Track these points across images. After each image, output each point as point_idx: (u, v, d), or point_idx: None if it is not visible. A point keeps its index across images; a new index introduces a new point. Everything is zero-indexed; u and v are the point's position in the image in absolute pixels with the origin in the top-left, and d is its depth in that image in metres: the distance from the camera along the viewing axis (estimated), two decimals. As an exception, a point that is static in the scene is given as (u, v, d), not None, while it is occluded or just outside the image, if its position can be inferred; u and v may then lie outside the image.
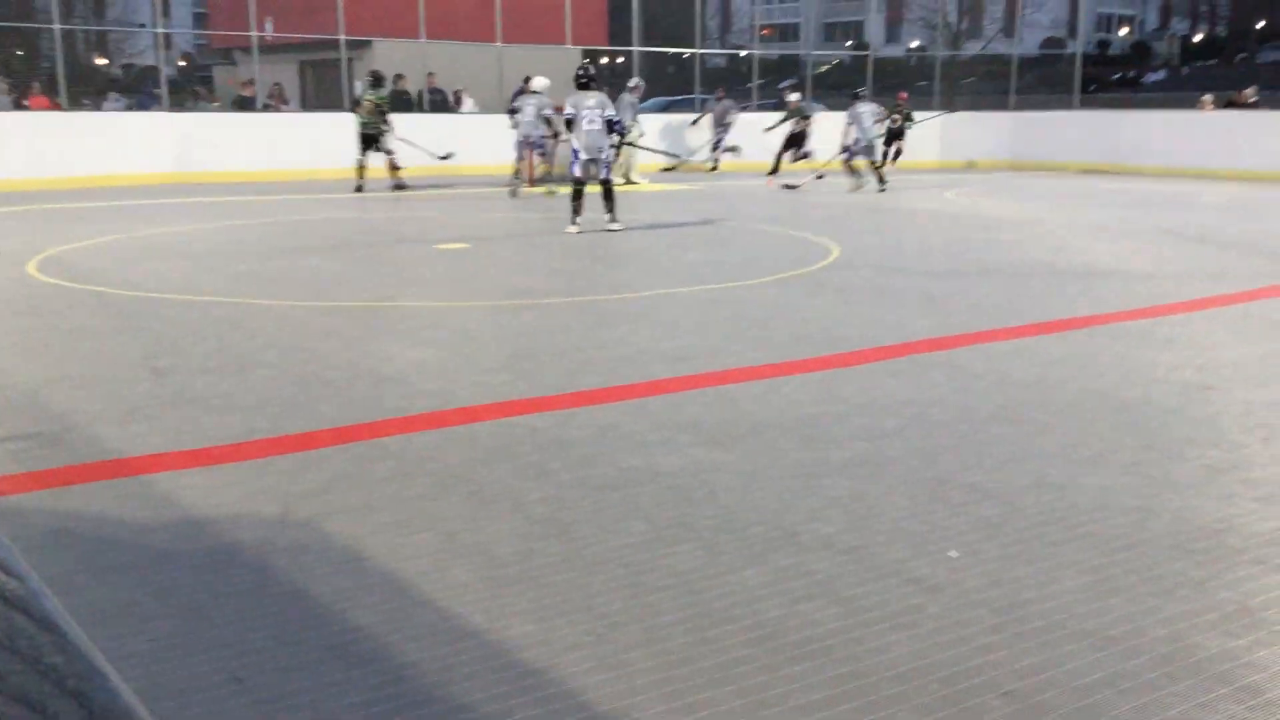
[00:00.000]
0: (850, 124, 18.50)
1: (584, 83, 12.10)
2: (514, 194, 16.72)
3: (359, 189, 17.16)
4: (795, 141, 20.34)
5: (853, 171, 18.64)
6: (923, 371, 5.91)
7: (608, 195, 12.30)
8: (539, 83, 16.39)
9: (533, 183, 17.97)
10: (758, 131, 22.29)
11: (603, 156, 12.13)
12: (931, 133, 25.50)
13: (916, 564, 3.39)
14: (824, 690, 2.65)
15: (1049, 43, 52.12)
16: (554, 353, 6.33)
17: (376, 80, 17.22)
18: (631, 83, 20.48)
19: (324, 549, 3.49)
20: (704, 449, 4.52)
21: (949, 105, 26.14)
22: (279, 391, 5.44)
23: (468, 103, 23.31)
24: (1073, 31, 50.29)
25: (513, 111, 17.40)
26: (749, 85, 24.61)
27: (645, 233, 12.35)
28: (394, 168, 17.29)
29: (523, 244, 11.60)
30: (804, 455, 4.45)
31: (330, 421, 4.91)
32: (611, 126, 12.10)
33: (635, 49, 25.46)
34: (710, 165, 22.88)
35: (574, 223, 12.15)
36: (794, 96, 21.19)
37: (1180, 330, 7.09)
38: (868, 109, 18.63)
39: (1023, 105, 26.94)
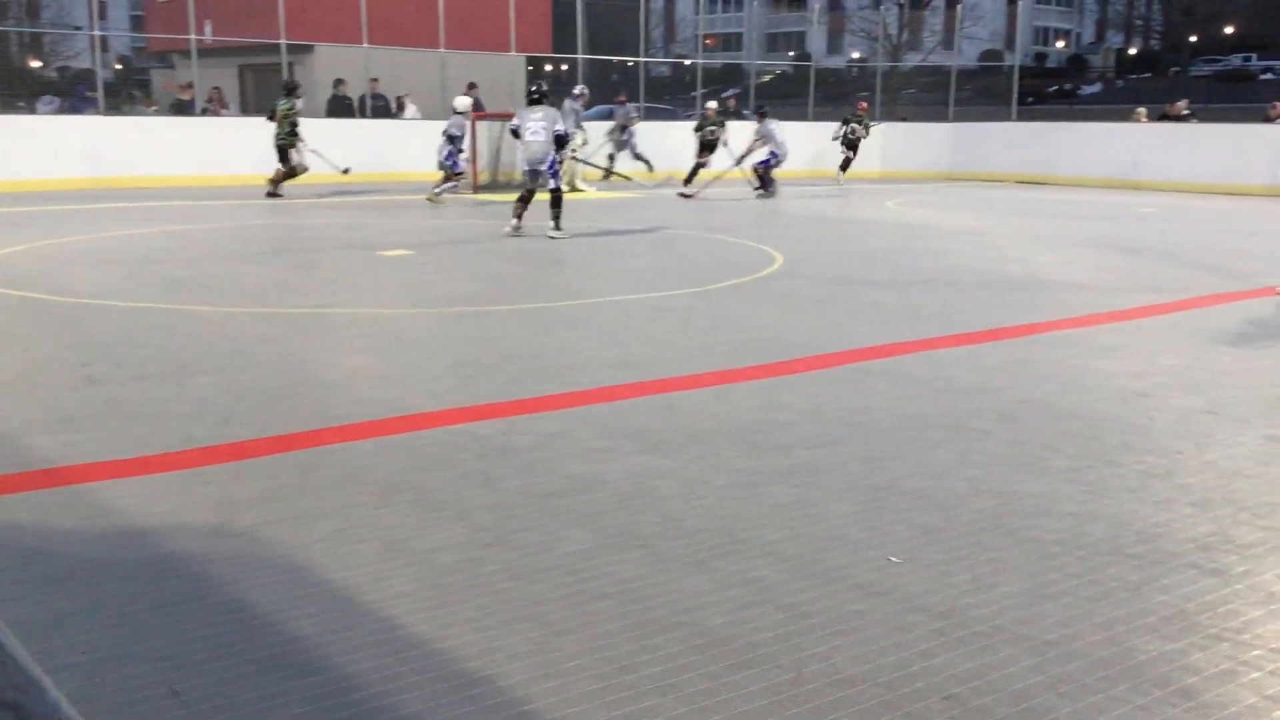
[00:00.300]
0: (760, 140, 18.83)
1: (535, 99, 12.35)
2: (434, 199, 16.75)
3: (271, 195, 16.89)
4: (708, 149, 20.16)
5: (766, 184, 19.02)
6: (865, 379, 5.96)
7: (555, 203, 12.39)
8: (460, 103, 16.44)
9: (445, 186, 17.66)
10: (664, 139, 22.32)
11: (544, 167, 12.24)
12: (873, 143, 25.77)
13: (859, 570, 3.41)
14: (767, 697, 2.66)
15: (987, 55, 52.90)
16: (498, 360, 6.30)
17: (288, 90, 16.94)
18: (576, 90, 20.46)
19: (264, 558, 3.45)
20: (648, 456, 4.52)
21: (894, 115, 26.32)
22: (217, 399, 5.36)
23: (410, 109, 23.19)
24: (1010, 44, 51.18)
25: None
26: (693, 94, 24.61)
27: (590, 240, 12.36)
28: (284, 176, 16.89)
29: (467, 251, 11.55)
30: (748, 463, 4.46)
31: (270, 429, 4.85)
32: (559, 140, 12.24)
33: (580, 56, 25.48)
34: (604, 173, 21.67)
35: (511, 223, 12.57)
36: (711, 105, 21.00)
37: (1116, 339, 7.19)
38: (777, 125, 19.13)
39: (961, 117, 27.36)
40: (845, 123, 22.56)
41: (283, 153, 16.71)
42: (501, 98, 24.31)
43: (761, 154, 19.04)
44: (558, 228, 12.35)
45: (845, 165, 22.75)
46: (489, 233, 13.17)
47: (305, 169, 16.91)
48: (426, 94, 23.35)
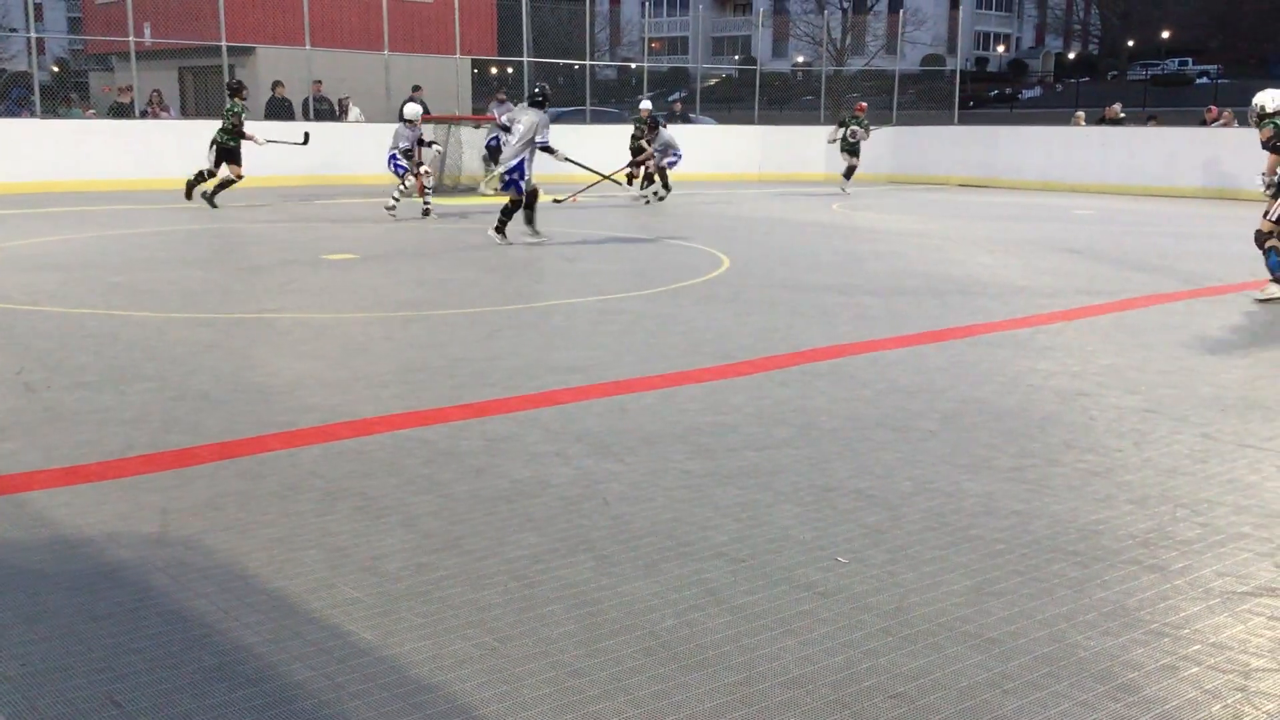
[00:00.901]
0: (661, 149, 18.56)
1: (538, 101, 11.88)
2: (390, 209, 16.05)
3: (199, 196, 16.33)
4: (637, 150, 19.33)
5: (654, 183, 18.82)
6: (811, 381, 6.00)
7: (506, 210, 12.23)
8: (410, 110, 15.55)
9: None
10: (605, 144, 21.93)
11: (510, 173, 11.88)
12: (818, 148, 25.95)
13: (806, 571, 3.43)
14: (717, 698, 2.66)
15: (929, 60, 53.38)
16: (444, 364, 6.26)
17: (232, 92, 16.43)
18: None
19: (206, 567, 3.40)
20: (596, 460, 4.52)
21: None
22: (158, 406, 5.29)
23: (354, 111, 23.02)
24: (952, 49, 51.75)
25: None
26: (639, 98, 24.57)
27: (537, 245, 12.31)
28: (220, 184, 16.26)
29: (414, 255, 11.48)
30: (695, 465, 4.48)
31: (212, 436, 4.79)
32: (545, 149, 11.85)
33: (525, 59, 25.41)
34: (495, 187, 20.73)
35: (533, 234, 12.30)
36: (645, 105, 20.02)
37: (1056, 339, 7.28)
38: (671, 132, 19.07)
39: (904, 120, 27.62)
40: (843, 125, 21.88)
41: (224, 157, 16.18)
42: (446, 100, 24.20)
43: (664, 159, 18.69)
44: (499, 231, 12.14)
45: (849, 173, 21.98)
46: (436, 237, 13.10)
47: (240, 177, 16.36)
48: (370, 97, 23.19)
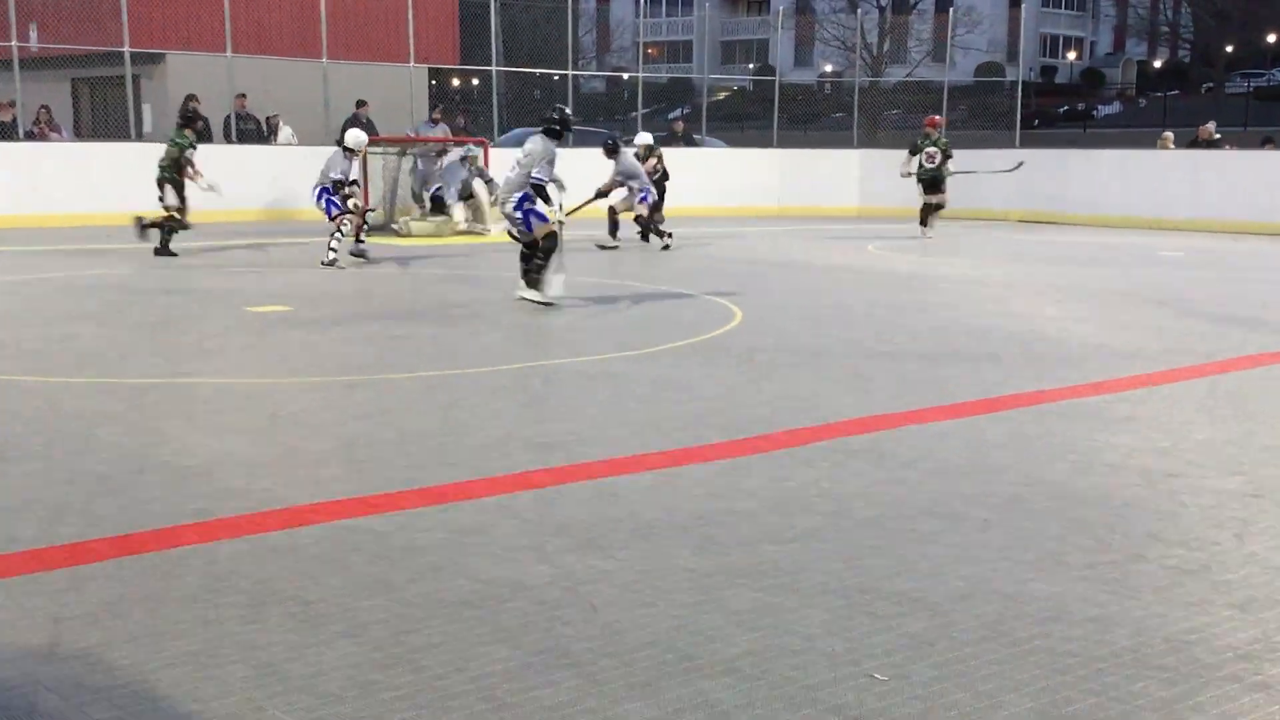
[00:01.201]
0: (620, 178, 17.71)
1: (555, 130, 11.38)
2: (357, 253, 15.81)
3: (160, 251, 16.10)
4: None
5: (658, 229, 17.79)
6: (842, 459, 5.96)
7: (525, 258, 11.53)
8: (352, 138, 15.06)
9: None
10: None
11: (509, 209, 11.33)
12: (849, 175, 26.00)
13: (836, 690, 3.43)
14: (728, 845, 2.66)
15: (985, 69, 53.74)
16: (396, 440, 6.21)
17: (184, 122, 16.09)
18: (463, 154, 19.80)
19: (105, 687, 3.39)
20: (580, 556, 4.50)
21: (873, 140, 26.20)
22: (46, 490, 5.27)
23: (284, 132, 23.08)
24: (1013, 56, 52.19)
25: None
26: (633, 114, 24.70)
27: (508, 292, 11.99)
28: (171, 226, 15.88)
29: (358, 307, 11.47)
30: (701, 562, 4.46)
31: (113, 527, 4.76)
32: (536, 187, 11.13)
33: (494, 69, 25.61)
34: (458, 225, 19.75)
35: (535, 292, 11.37)
36: (643, 138, 19.59)
37: (1139, 409, 7.25)
38: (634, 159, 18.18)
39: (955, 143, 27.69)
40: (916, 150, 20.15)
41: (169, 189, 15.63)
42: (398, 116, 24.29)
43: (623, 194, 17.85)
44: (530, 286, 11.33)
45: (930, 212, 20.15)
46: (386, 285, 13.09)
47: (181, 218, 15.86)
48: (305, 114, 23.24)
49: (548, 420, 6.76)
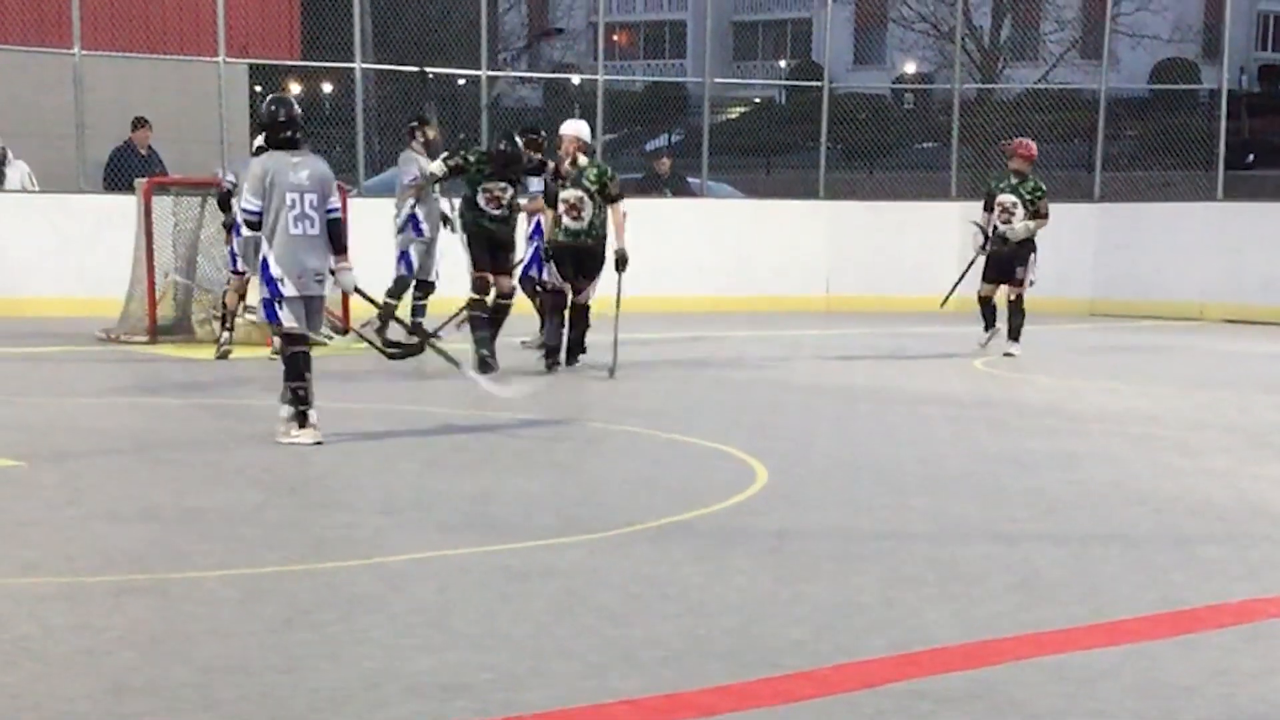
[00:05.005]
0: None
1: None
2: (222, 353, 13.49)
3: None
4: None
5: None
6: (935, 713, 4.78)
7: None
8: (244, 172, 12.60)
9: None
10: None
11: None
12: (945, 243, 17.98)
13: None
14: None
15: (1167, 70, 36.40)
16: (195, 683, 4.88)
17: None
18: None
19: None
20: None
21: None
22: None
23: (16, 169, 18.23)
24: (1212, 50, 32.17)
25: None
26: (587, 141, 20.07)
27: (386, 434, 9.96)
28: None
29: (136, 455, 9.30)
30: None
31: None
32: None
33: (358, 66, 19.46)
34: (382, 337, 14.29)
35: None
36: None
37: None
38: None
39: (1115, 191, 21.10)
40: (991, 197, 14.47)
41: None
42: (202, 136, 19.05)
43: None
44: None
45: (996, 307, 14.54)
46: (174, 420, 10.79)
47: None
48: (49, 138, 18.45)
49: (446, 649, 5.41)
